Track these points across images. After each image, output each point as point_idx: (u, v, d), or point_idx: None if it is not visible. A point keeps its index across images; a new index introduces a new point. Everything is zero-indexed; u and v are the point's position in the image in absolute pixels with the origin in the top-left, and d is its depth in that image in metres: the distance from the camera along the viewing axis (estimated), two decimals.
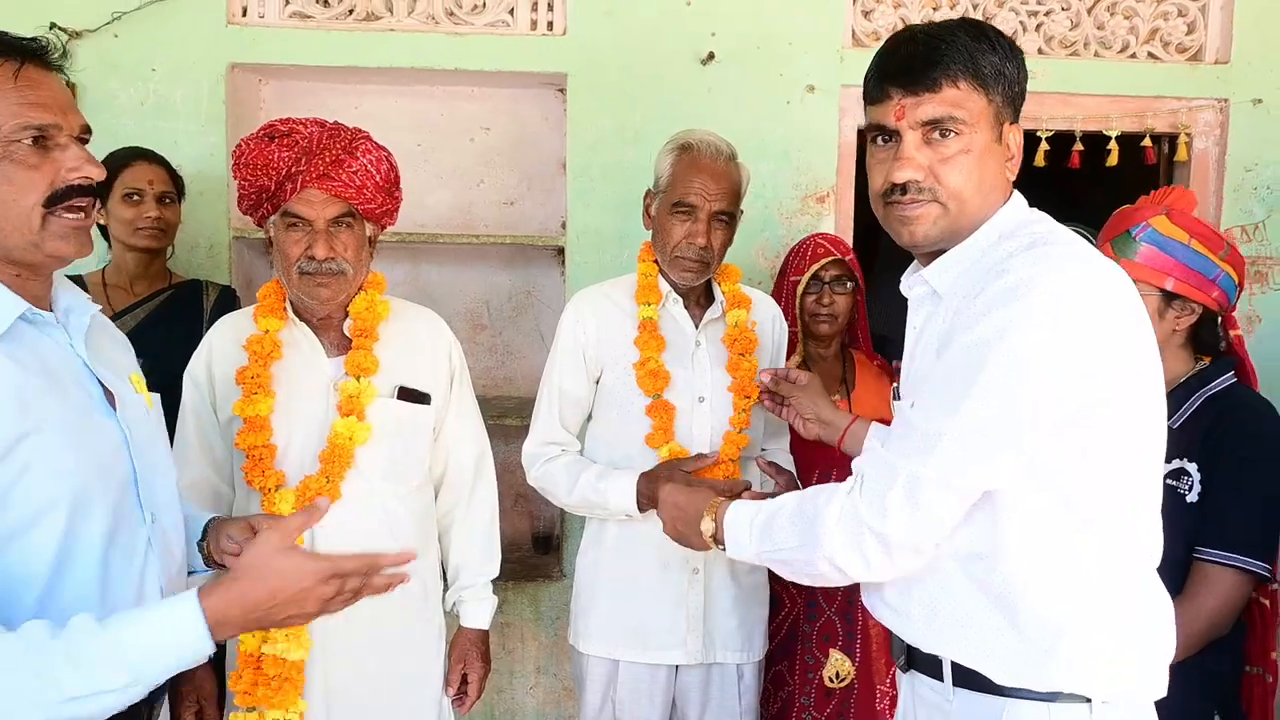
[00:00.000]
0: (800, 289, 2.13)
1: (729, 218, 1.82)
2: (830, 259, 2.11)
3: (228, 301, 2.32)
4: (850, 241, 2.62)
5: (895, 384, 1.41)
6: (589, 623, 1.90)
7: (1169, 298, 1.68)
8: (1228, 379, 1.70)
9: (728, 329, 1.89)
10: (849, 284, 2.13)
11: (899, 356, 2.24)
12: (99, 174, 1.17)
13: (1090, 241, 2.10)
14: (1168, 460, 1.35)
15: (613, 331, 1.87)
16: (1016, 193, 1.25)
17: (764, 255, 2.66)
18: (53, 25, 2.40)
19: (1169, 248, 1.68)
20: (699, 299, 1.92)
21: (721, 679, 1.88)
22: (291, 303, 1.74)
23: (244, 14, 2.53)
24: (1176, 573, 1.55)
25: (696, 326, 1.90)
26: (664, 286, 1.88)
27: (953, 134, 1.16)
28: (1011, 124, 1.22)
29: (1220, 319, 1.74)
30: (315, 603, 1.11)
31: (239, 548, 1.28)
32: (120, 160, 2.20)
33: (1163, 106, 2.73)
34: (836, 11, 2.63)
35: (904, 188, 1.18)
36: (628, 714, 1.86)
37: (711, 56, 2.58)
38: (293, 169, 1.60)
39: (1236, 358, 1.75)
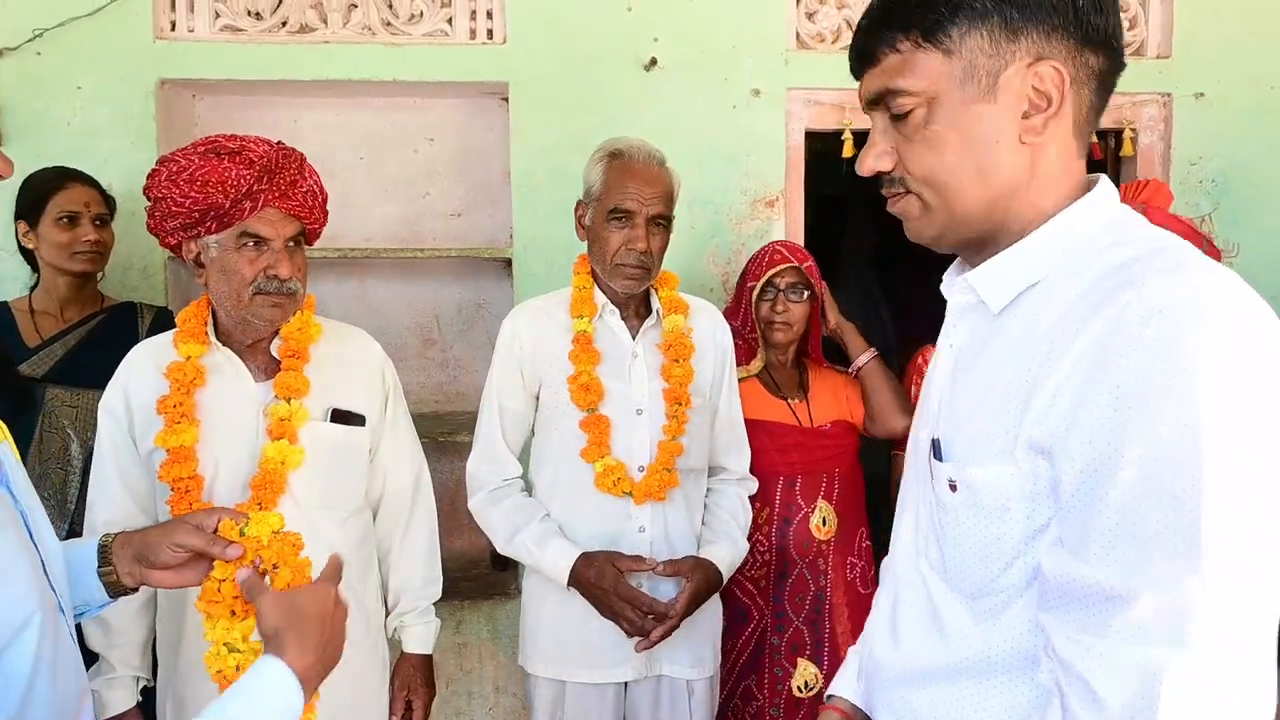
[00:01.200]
0: (755, 295, 2.11)
1: (666, 221, 1.81)
2: (786, 265, 2.09)
3: (165, 323, 2.23)
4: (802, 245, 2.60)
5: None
6: (535, 643, 1.87)
7: None
8: None
9: (663, 335, 1.87)
10: (804, 292, 2.10)
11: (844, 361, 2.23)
12: None
13: None
14: None
15: (548, 346, 1.84)
16: (1105, 180, 0.95)
17: (714, 262, 2.63)
18: None
19: None
20: (637, 309, 1.89)
21: (671, 693, 1.85)
22: (216, 326, 1.68)
23: (173, 28, 2.46)
24: None
25: (634, 337, 1.87)
26: (600, 299, 1.86)
27: (906, 110, 0.90)
28: (1039, 61, 0.87)
29: None
30: (340, 623, 1.10)
31: (183, 556, 1.16)
32: (52, 182, 2.12)
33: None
34: (779, 14, 2.61)
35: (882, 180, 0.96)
36: None
37: (654, 62, 2.55)
38: (254, 187, 1.55)
39: None
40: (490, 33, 2.56)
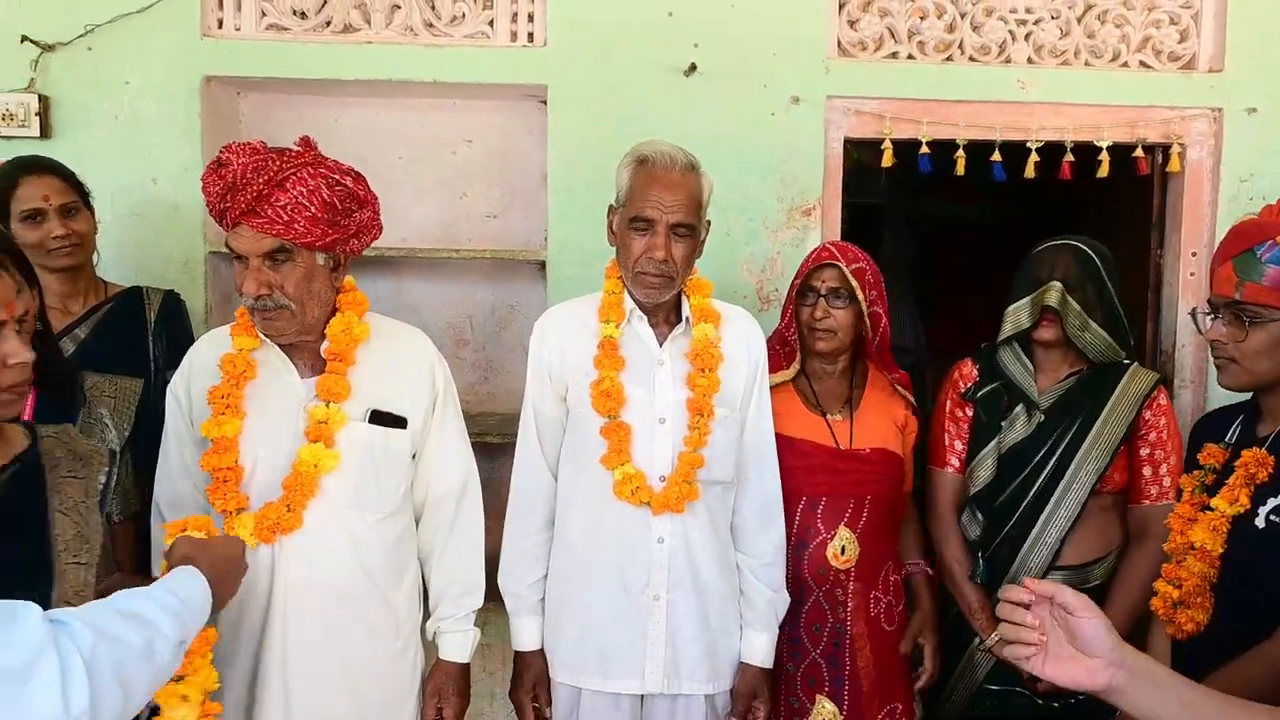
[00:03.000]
0: (795, 295, 2.01)
1: (689, 230, 1.77)
2: (827, 263, 1.97)
3: (172, 308, 2.22)
4: None
5: None
6: (556, 649, 1.86)
7: None
8: None
9: (691, 344, 1.84)
10: (847, 298, 1.97)
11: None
12: None
13: (1097, 256, 2.04)
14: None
15: (575, 350, 1.83)
16: None
17: (749, 269, 2.62)
18: (24, 39, 2.37)
19: None
20: (667, 316, 1.87)
21: (688, 711, 1.83)
22: None
23: (219, 26, 2.50)
24: None
25: (662, 345, 1.85)
26: (628, 305, 1.84)
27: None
28: None
29: None
30: (239, 571, 1.40)
31: None
32: (7, 179, 2.01)
33: (1155, 116, 2.69)
34: (821, 21, 2.59)
35: None
36: None
37: (694, 68, 2.54)
38: (221, 203, 1.56)
39: None
40: (530, 35, 2.56)
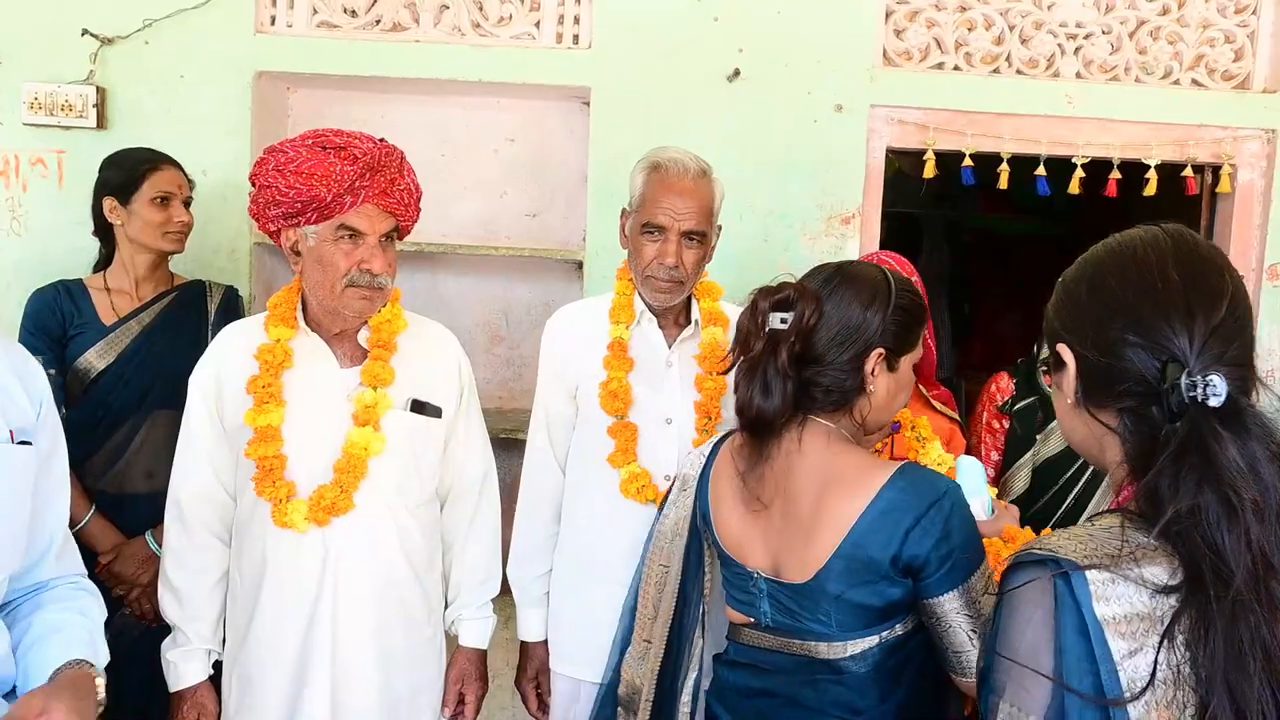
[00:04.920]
0: None
1: (700, 237, 1.79)
2: None
3: (232, 302, 2.31)
4: None
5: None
6: (558, 641, 1.89)
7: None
8: None
9: (700, 347, 1.86)
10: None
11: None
12: None
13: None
14: None
15: (584, 350, 1.86)
16: None
17: (786, 275, 2.60)
18: (84, 32, 2.43)
19: None
20: (677, 318, 1.89)
21: None
22: (305, 312, 1.73)
23: (272, 23, 2.55)
24: None
25: (671, 347, 1.86)
26: (639, 306, 1.86)
27: None
28: None
29: None
30: None
31: None
32: (148, 163, 2.19)
33: (1206, 135, 2.64)
34: (868, 29, 2.58)
35: None
36: None
37: (737, 73, 2.54)
38: (356, 183, 1.60)
39: None
40: (576, 38, 2.58)
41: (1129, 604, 0.84)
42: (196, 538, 1.73)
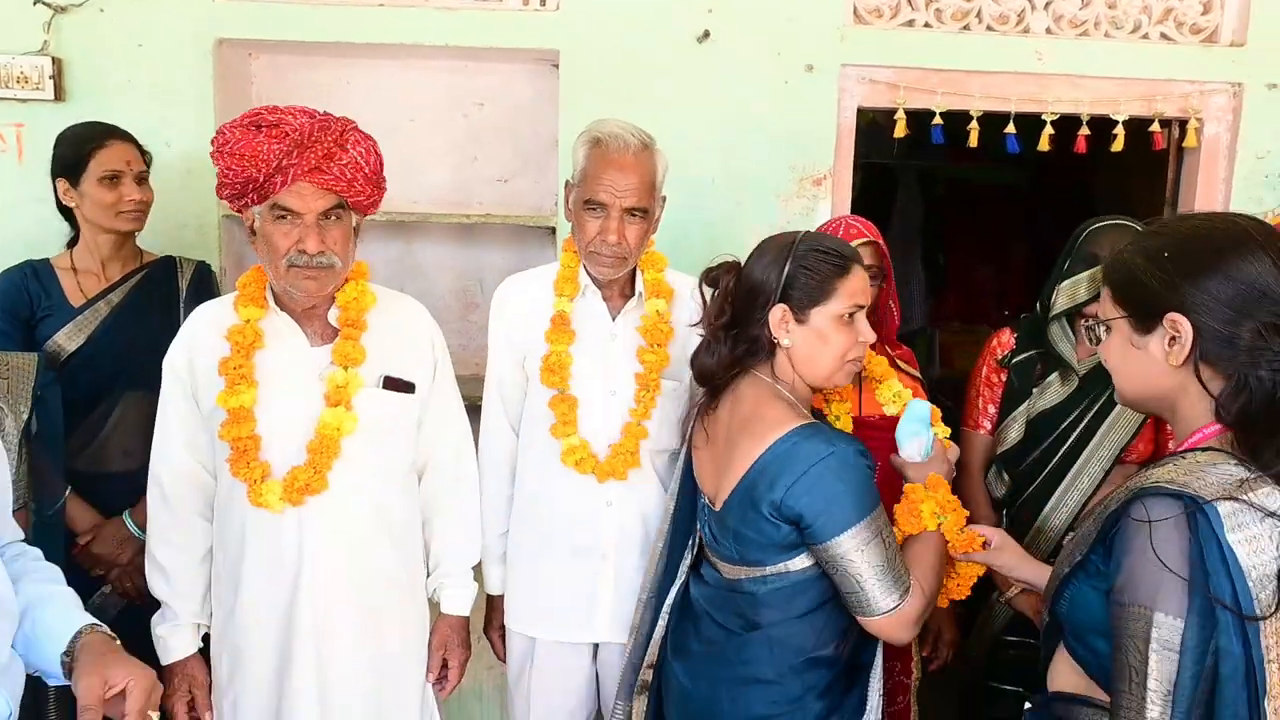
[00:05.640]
0: None
1: (643, 212, 1.79)
2: (864, 240, 2.01)
3: (204, 278, 2.27)
4: None
5: None
6: (512, 600, 1.95)
7: None
8: None
9: (643, 319, 1.88)
10: (879, 277, 2.02)
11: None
12: None
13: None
14: None
15: (531, 321, 1.88)
16: None
17: (759, 236, 2.61)
18: (36, 1, 2.36)
19: None
20: (622, 289, 1.91)
21: None
22: (274, 291, 1.73)
23: None
24: None
25: (615, 318, 1.89)
26: (583, 279, 1.88)
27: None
28: None
29: None
30: None
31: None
32: (94, 140, 2.09)
33: (1173, 90, 2.66)
34: None
35: None
36: (544, 688, 1.92)
37: (707, 34, 2.52)
38: (283, 161, 1.58)
39: None
40: (543, 0, 2.54)
41: (1254, 529, 1.01)
42: (180, 516, 1.75)
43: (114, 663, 1.19)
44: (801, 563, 1.46)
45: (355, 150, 1.65)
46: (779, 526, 1.43)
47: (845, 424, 1.97)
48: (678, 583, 1.69)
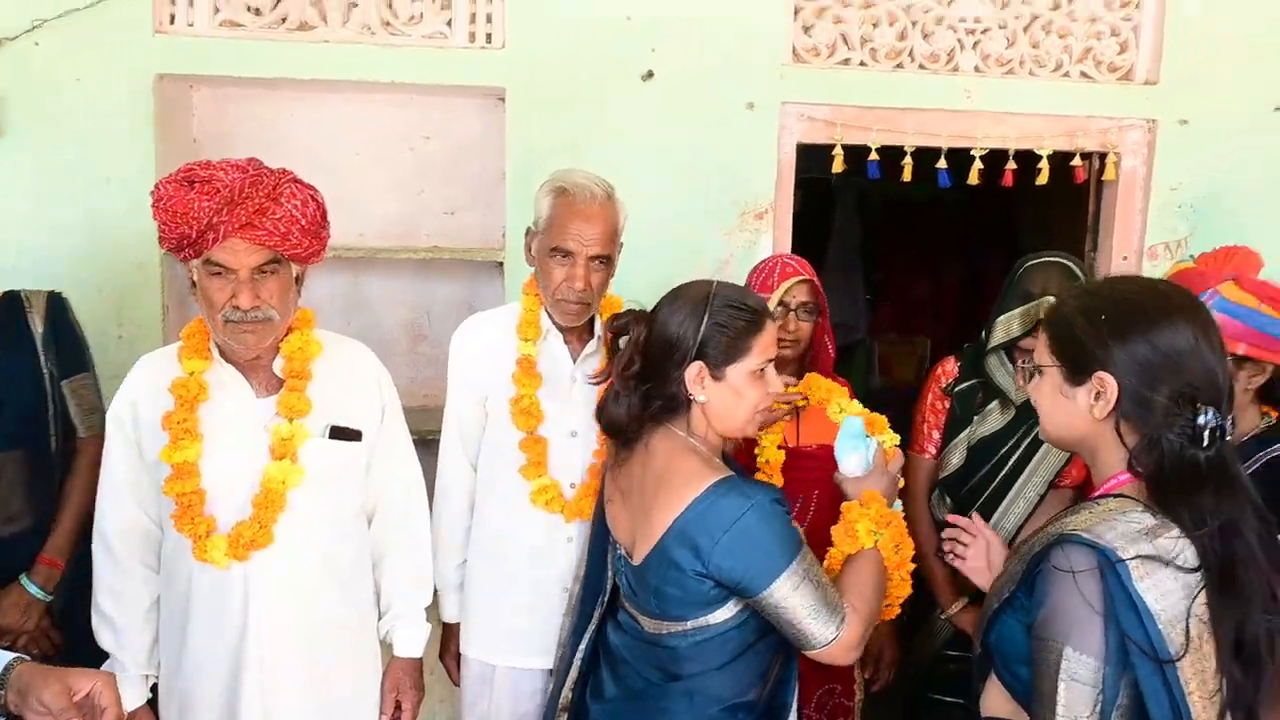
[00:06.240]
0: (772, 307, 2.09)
1: (606, 259, 1.86)
2: (798, 279, 2.09)
3: (59, 311, 2.06)
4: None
5: None
6: (470, 627, 1.99)
7: (1239, 361, 1.75)
8: None
9: (601, 363, 1.94)
10: (814, 313, 2.10)
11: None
12: None
13: (1080, 273, 2.15)
14: None
15: (493, 363, 1.93)
16: None
17: (703, 271, 2.68)
18: None
19: (1239, 314, 1.77)
20: (581, 334, 1.97)
21: None
22: (217, 343, 1.73)
23: (172, 21, 2.46)
24: None
25: (575, 361, 1.94)
26: (545, 323, 1.93)
27: None
28: None
29: None
30: None
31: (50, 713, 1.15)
32: None
33: (1093, 126, 2.80)
34: (776, 28, 2.63)
35: None
36: (500, 714, 1.96)
37: (650, 74, 2.58)
38: (214, 219, 1.57)
39: None
40: (489, 37, 2.57)
41: (1161, 575, 1.11)
42: (126, 568, 1.74)
43: (69, 673, 1.17)
44: (723, 615, 1.47)
45: (290, 203, 1.63)
46: (703, 583, 1.43)
47: (773, 454, 2.05)
48: (590, 629, 1.71)
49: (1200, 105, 2.79)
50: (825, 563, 1.61)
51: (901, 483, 1.74)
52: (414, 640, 1.91)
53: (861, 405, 1.93)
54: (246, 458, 1.70)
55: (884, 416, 1.91)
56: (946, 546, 1.59)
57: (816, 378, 2.04)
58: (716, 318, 1.48)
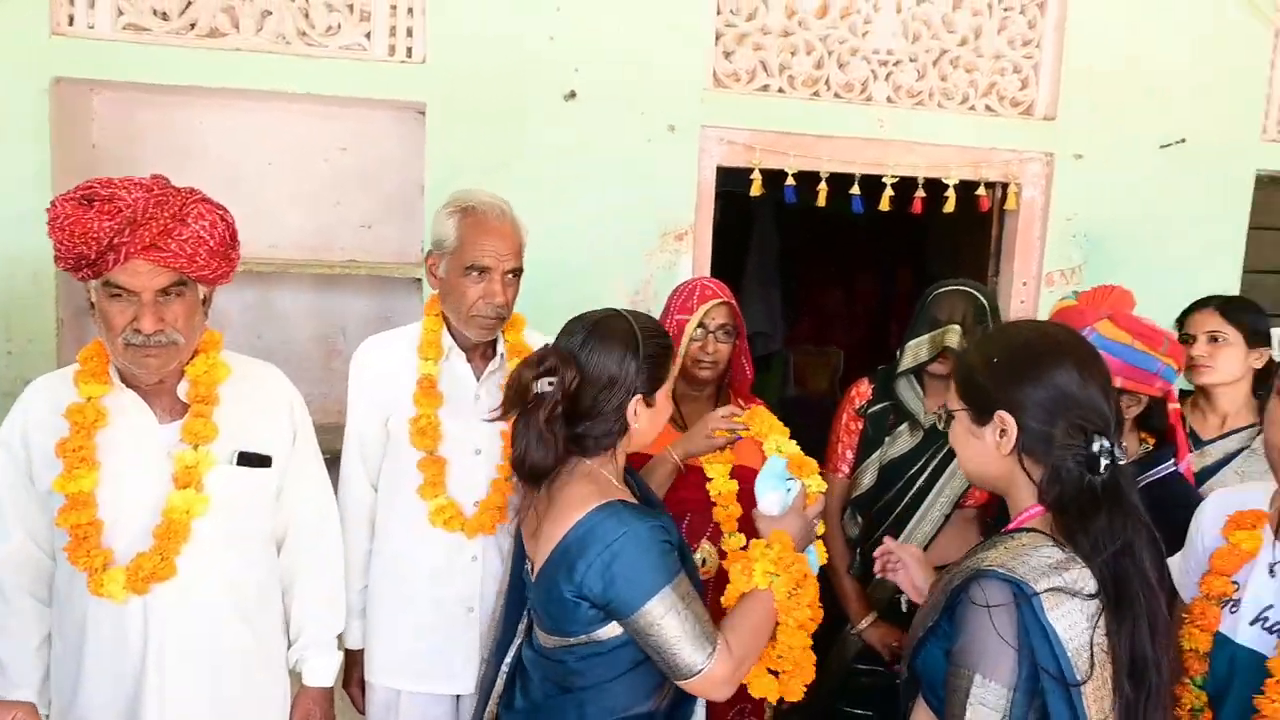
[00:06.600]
0: (689, 331, 2.11)
1: (518, 273, 1.90)
2: (717, 301, 2.11)
3: None
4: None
5: None
6: (373, 653, 1.96)
7: (1118, 392, 1.85)
8: (1166, 467, 1.91)
9: (506, 378, 1.94)
10: (732, 335, 2.13)
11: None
12: None
13: (986, 301, 2.23)
14: None
15: (394, 383, 1.92)
16: None
17: (624, 291, 2.71)
18: None
19: (1115, 350, 1.87)
20: (484, 351, 1.98)
21: None
22: (117, 367, 1.66)
23: (70, 23, 2.35)
24: None
25: (479, 379, 1.95)
26: (447, 342, 1.93)
27: None
28: None
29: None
30: None
31: None
32: None
33: (997, 157, 2.93)
34: (698, 52, 2.67)
35: None
36: None
37: (573, 94, 2.58)
38: (115, 239, 1.51)
39: (1174, 437, 1.97)
40: (410, 51, 2.53)
41: (1069, 605, 1.19)
42: (15, 603, 1.66)
43: None
44: (609, 633, 1.50)
45: (198, 224, 1.57)
46: (579, 605, 1.47)
47: (725, 485, 2.06)
48: (515, 643, 1.73)
49: (1093, 141, 2.95)
50: (722, 598, 1.62)
51: (821, 528, 1.77)
52: (325, 669, 1.87)
53: (797, 447, 1.94)
54: (148, 486, 1.63)
55: (815, 461, 1.93)
56: (878, 565, 1.69)
57: (762, 412, 2.05)
58: (647, 350, 1.55)
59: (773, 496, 1.66)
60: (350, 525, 1.95)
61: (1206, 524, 1.48)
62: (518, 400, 1.52)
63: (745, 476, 2.11)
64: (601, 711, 1.51)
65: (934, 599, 1.33)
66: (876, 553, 1.69)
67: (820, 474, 2.29)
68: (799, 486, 1.71)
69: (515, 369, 1.55)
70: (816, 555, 1.71)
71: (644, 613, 1.43)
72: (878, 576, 1.69)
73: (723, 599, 1.63)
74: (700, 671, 1.44)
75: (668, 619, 1.43)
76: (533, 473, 1.53)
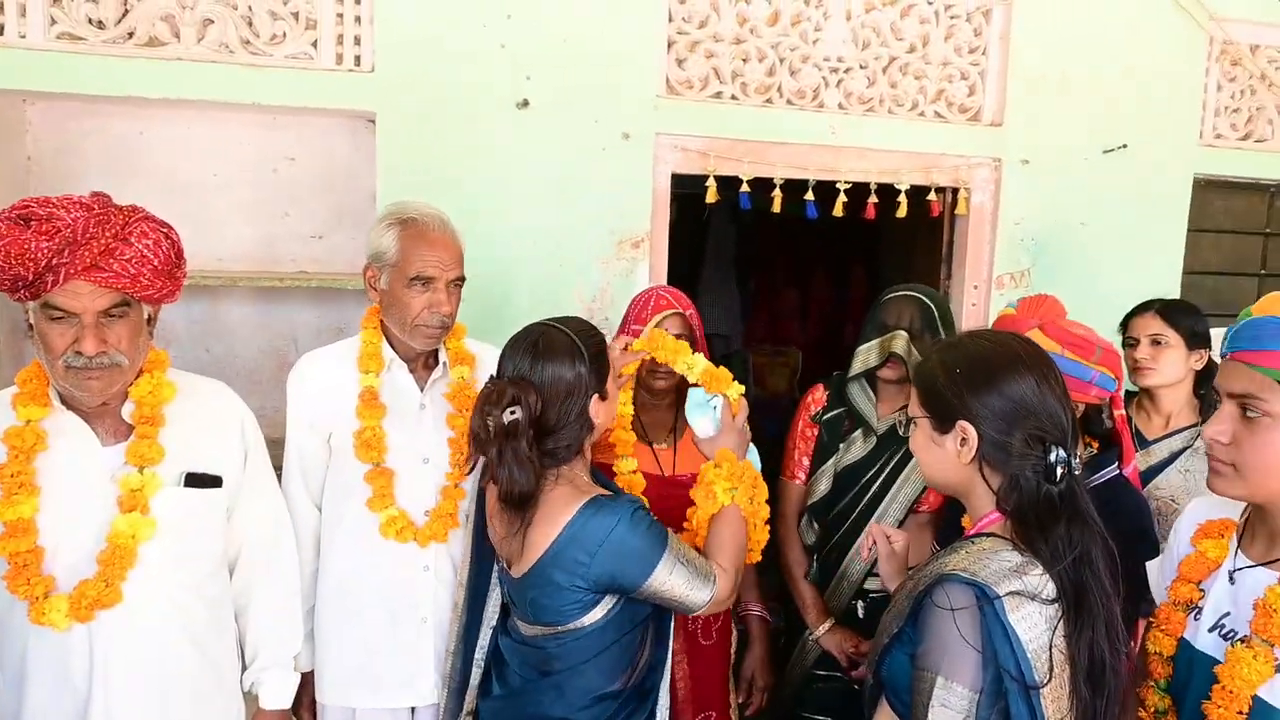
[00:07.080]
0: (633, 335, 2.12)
1: (461, 282, 1.90)
2: (672, 311, 2.12)
3: None
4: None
5: None
6: (324, 673, 1.94)
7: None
8: (1110, 470, 1.93)
9: (450, 386, 1.95)
10: (690, 344, 2.09)
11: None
12: None
13: (935, 307, 2.26)
14: None
15: (335, 397, 1.90)
16: None
17: (580, 298, 2.70)
18: None
19: None
20: (426, 361, 1.97)
21: None
22: (58, 389, 1.61)
23: (1, 32, 2.27)
24: None
25: (423, 389, 1.94)
26: (388, 354, 1.92)
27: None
28: None
29: (1109, 401, 2.00)
30: None
31: None
32: None
33: (946, 163, 2.97)
34: (651, 60, 2.67)
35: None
36: None
37: (526, 103, 2.57)
38: (54, 260, 1.45)
39: (1118, 440, 1.99)
40: (357, 59, 2.49)
41: (1028, 608, 1.21)
42: None
43: None
44: (593, 617, 1.58)
45: (141, 243, 1.53)
46: (585, 594, 1.56)
47: (632, 480, 2.08)
48: (486, 633, 1.78)
49: (1039, 146, 3.01)
50: (692, 522, 1.77)
51: (745, 412, 1.83)
52: (283, 690, 1.83)
53: (705, 358, 1.94)
54: (91, 511, 1.58)
55: (726, 369, 1.94)
56: (865, 551, 1.79)
57: (661, 334, 2.02)
58: (590, 350, 1.62)
59: (703, 421, 1.79)
60: (296, 544, 1.91)
61: (1183, 531, 1.51)
62: (493, 441, 1.56)
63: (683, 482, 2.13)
64: (577, 692, 1.60)
65: (899, 606, 1.35)
66: (867, 530, 1.78)
67: (778, 480, 2.31)
68: (721, 401, 1.82)
69: (475, 413, 1.58)
70: (756, 455, 1.88)
71: (653, 580, 1.56)
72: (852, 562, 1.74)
73: (694, 523, 1.77)
74: (709, 599, 1.60)
75: (674, 576, 1.57)
76: (522, 499, 1.58)
